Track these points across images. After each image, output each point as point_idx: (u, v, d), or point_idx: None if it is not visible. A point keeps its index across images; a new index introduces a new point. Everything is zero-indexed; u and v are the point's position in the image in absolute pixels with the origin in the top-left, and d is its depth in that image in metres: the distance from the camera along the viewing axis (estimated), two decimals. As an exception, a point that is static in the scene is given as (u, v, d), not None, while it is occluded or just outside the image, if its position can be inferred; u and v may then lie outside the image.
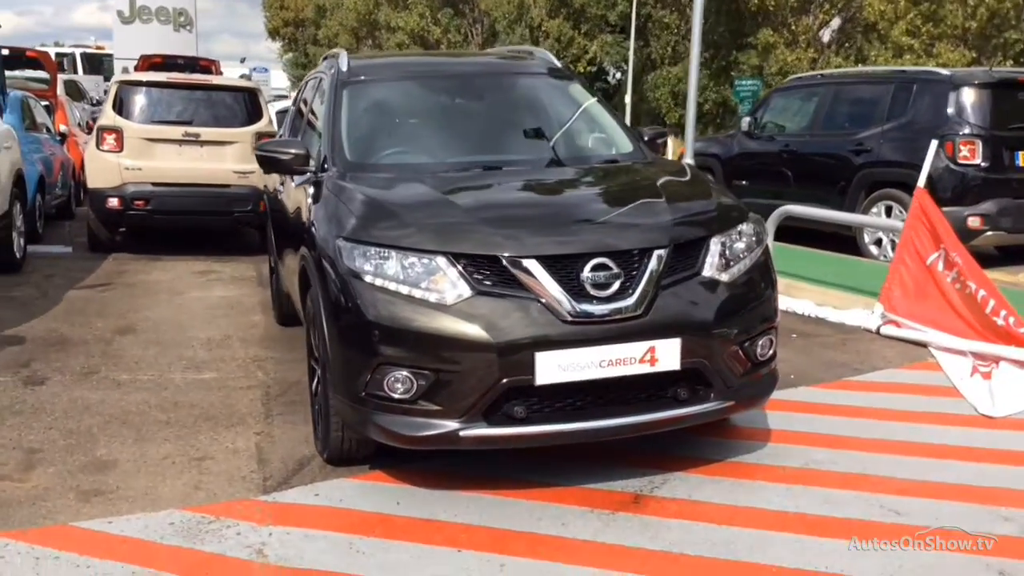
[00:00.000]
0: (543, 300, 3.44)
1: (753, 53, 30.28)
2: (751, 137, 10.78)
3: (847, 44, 28.33)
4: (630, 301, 3.51)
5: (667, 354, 3.53)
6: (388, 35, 54.00)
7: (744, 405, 3.88)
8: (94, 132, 9.80)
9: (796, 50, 27.85)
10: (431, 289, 3.48)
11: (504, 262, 3.49)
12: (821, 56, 27.71)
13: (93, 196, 9.64)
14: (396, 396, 3.49)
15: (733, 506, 3.66)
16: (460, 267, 3.50)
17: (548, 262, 3.49)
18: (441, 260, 3.51)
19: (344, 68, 5.08)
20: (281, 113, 14.49)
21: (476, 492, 3.76)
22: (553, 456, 4.02)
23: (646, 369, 3.52)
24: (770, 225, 7.28)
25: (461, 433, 3.47)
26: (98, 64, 24.19)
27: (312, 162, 4.54)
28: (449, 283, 3.48)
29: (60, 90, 17.87)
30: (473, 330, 3.40)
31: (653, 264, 3.57)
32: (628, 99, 34.45)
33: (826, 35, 27.73)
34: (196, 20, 19.42)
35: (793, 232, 8.93)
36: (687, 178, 4.39)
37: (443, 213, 3.76)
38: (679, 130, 18.50)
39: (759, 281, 3.90)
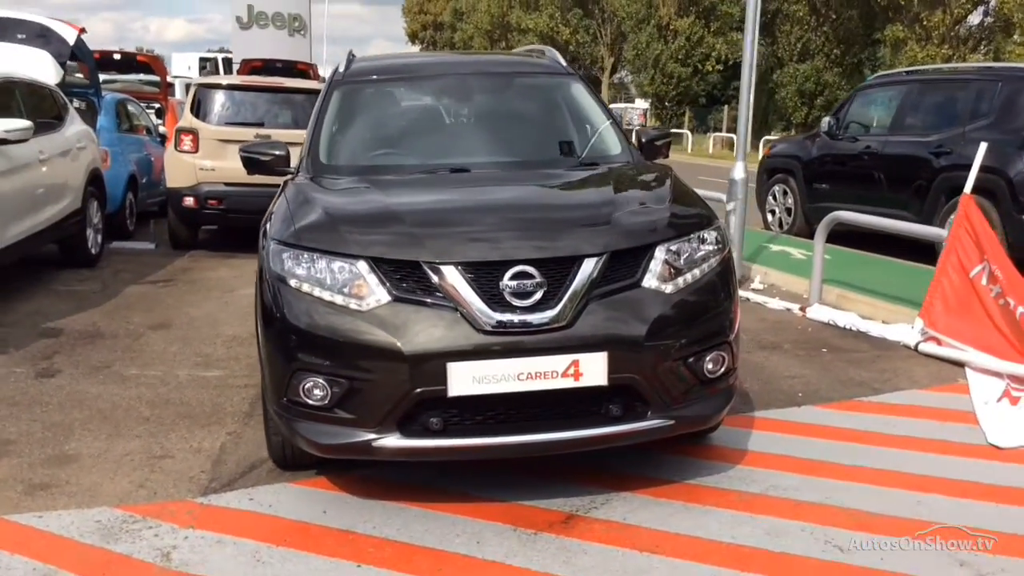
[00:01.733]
0: (461, 308, 3.32)
1: (885, 49, 28.94)
2: (832, 138, 10.24)
3: (985, 40, 26.74)
4: (552, 312, 3.34)
5: (592, 368, 3.34)
6: (519, 37, 54.52)
7: (690, 425, 3.64)
8: (174, 133, 10.16)
9: (928, 46, 26.46)
10: (351, 295, 3.40)
11: (424, 268, 3.38)
12: (956, 52, 26.25)
13: (171, 195, 10.00)
14: (312, 403, 3.43)
15: (664, 532, 3.44)
16: (380, 273, 3.41)
17: (468, 269, 3.36)
18: (362, 265, 3.42)
19: (342, 69, 5.07)
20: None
21: (409, 504, 3.67)
22: (505, 469, 3.90)
23: (570, 384, 3.34)
24: (820, 232, 6.90)
25: (374, 443, 3.38)
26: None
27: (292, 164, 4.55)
28: (368, 289, 3.39)
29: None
30: (385, 338, 3.30)
31: (583, 273, 3.39)
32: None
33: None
34: (310, 24, 19.94)
35: (871, 237, 8.46)
36: (654, 183, 4.16)
37: (375, 218, 3.68)
38: (807, 130, 17.78)
39: (712, 293, 3.65)
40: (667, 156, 4.94)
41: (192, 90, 10.32)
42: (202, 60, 39.40)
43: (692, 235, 3.69)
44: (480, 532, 3.45)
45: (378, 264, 3.42)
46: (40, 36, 9.23)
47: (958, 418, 4.63)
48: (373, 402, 3.36)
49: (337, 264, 3.45)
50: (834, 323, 6.48)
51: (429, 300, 3.35)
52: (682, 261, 3.61)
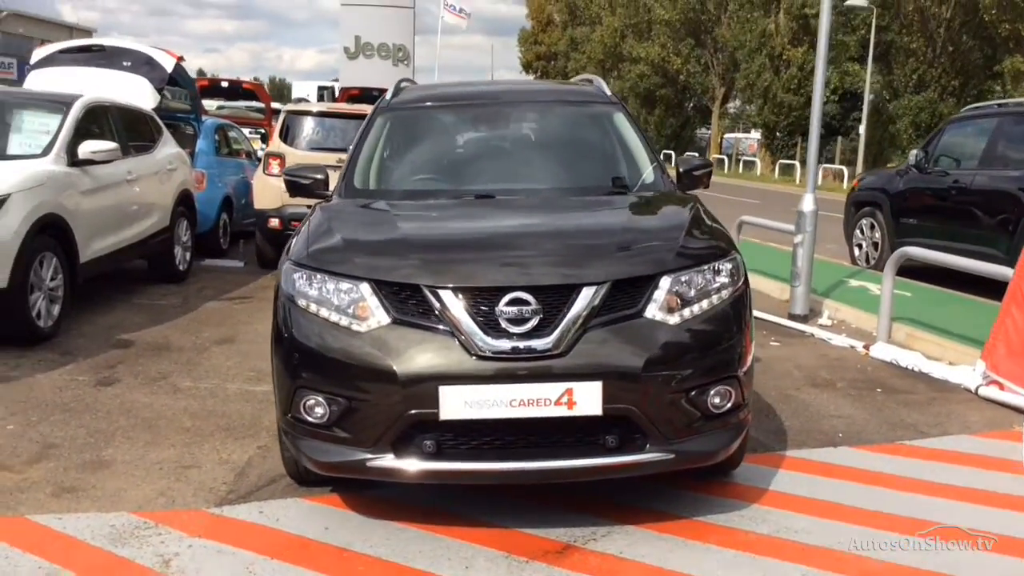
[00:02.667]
0: (457, 333, 3.35)
1: (1005, 81, 27.81)
2: (921, 171, 9.89)
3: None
4: (547, 339, 3.33)
5: (586, 398, 3.32)
6: (631, 66, 54.58)
7: (691, 460, 3.57)
8: (263, 157, 10.54)
9: (1050, 79, 25.32)
10: (354, 316, 3.46)
11: (424, 292, 3.42)
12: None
13: (258, 216, 10.35)
14: (313, 421, 3.51)
15: (659, 568, 3.37)
16: (382, 295, 3.47)
17: (465, 294, 3.38)
18: (365, 287, 3.49)
19: (389, 96, 5.20)
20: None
21: (411, 525, 3.70)
22: (512, 495, 3.90)
23: (563, 412, 3.32)
24: (889, 268, 6.67)
25: (368, 463, 3.43)
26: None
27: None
28: (370, 311, 3.46)
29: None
30: (380, 359, 3.35)
31: (581, 301, 3.38)
32: (863, 129, 32.57)
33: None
34: (413, 55, 20.39)
35: (959, 273, 8.10)
36: (673, 212, 4.10)
37: (384, 242, 3.74)
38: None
39: (721, 326, 3.58)
40: (707, 186, 4.87)
41: (281, 116, 10.70)
42: (320, 88, 40.76)
43: (703, 266, 3.63)
44: (472, 557, 3.45)
45: (380, 287, 3.48)
46: (143, 64, 9.72)
47: (1005, 467, 4.39)
48: (368, 422, 3.41)
49: (343, 285, 3.53)
50: (896, 363, 6.23)
51: (427, 324, 3.39)
52: (690, 292, 3.55)
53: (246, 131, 14.58)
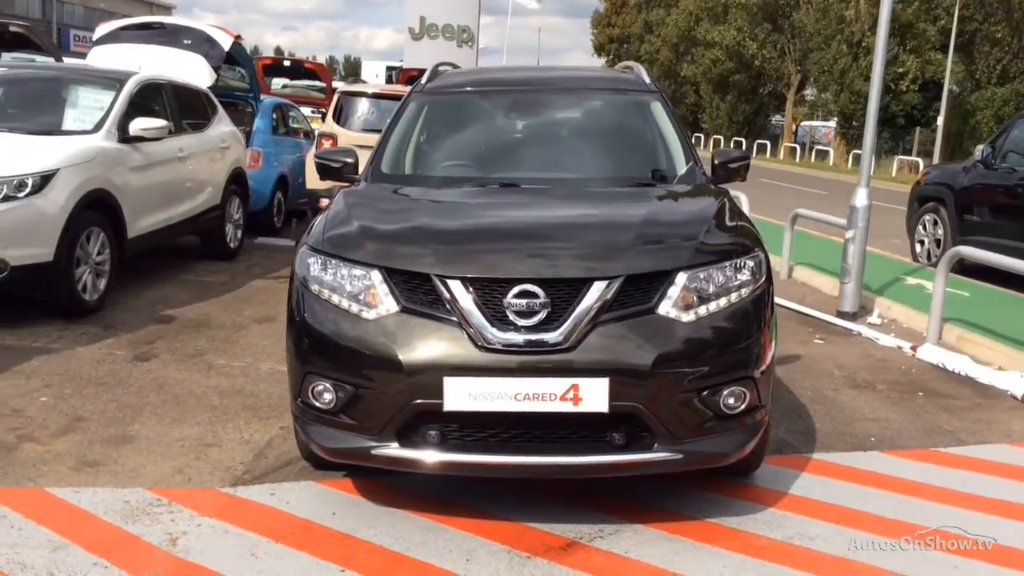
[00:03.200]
0: (464, 324, 3.30)
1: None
2: (988, 167, 9.53)
3: None
4: (555, 333, 3.27)
5: (592, 394, 3.25)
6: (704, 51, 53.73)
7: (701, 461, 3.48)
8: (316, 137, 10.61)
9: None
10: (364, 303, 3.44)
11: (435, 281, 3.38)
12: None
13: (309, 196, 10.44)
14: (320, 406, 3.51)
15: (662, 570, 3.30)
16: (393, 283, 3.44)
17: (474, 284, 3.34)
18: (376, 274, 3.47)
19: (424, 80, 5.16)
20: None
21: (419, 514, 3.69)
22: (525, 488, 3.86)
23: (568, 408, 3.26)
24: (942, 268, 6.45)
25: (373, 451, 3.42)
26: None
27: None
28: (380, 298, 3.43)
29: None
30: (386, 347, 3.33)
31: (592, 295, 3.31)
32: (941, 120, 31.58)
33: None
34: (478, 36, 20.33)
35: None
36: (698, 206, 3.99)
37: (400, 229, 3.71)
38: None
39: (737, 325, 3.47)
40: (744, 179, 4.74)
41: (336, 97, 10.75)
42: (389, 68, 41.02)
43: (723, 263, 3.52)
44: (474, 550, 3.42)
45: (391, 274, 3.45)
46: (201, 42, 9.84)
47: (1039, 480, 4.22)
48: (374, 410, 3.39)
49: (355, 272, 3.51)
50: (943, 366, 6.03)
51: (436, 313, 3.36)
52: (708, 289, 3.45)
53: (307, 111, 14.71)
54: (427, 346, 3.31)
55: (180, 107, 8.42)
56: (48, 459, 4.13)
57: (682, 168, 4.51)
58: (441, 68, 5.42)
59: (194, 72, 9.49)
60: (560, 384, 3.25)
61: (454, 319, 3.32)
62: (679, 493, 3.91)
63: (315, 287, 3.57)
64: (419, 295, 3.40)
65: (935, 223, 10.23)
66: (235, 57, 10.80)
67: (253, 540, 3.46)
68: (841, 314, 7.35)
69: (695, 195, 4.17)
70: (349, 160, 4.66)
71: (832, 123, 46.89)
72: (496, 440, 3.39)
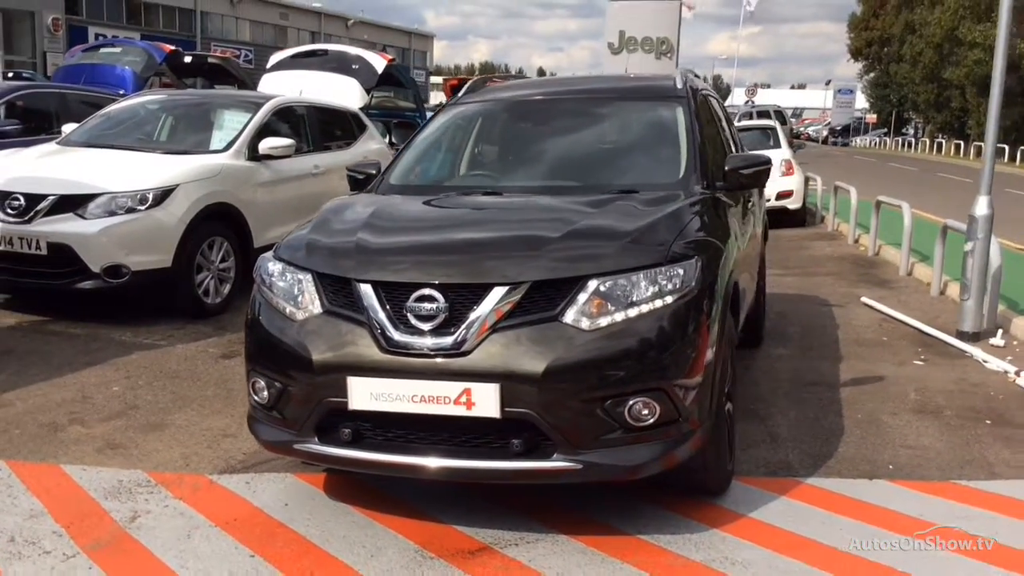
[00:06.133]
0: (372, 326, 3.43)
1: None
2: None
3: None
4: (450, 338, 3.33)
5: (484, 399, 3.28)
6: (967, 52, 49.87)
7: (604, 473, 3.39)
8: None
9: None
10: (298, 306, 3.65)
11: (353, 285, 3.54)
12: None
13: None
14: (259, 401, 3.74)
15: (551, 581, 3.26)
16: (322, 286, 3.62)
17: (381, 288, 3.46)
18: (308, 278, 3.67)
19: (460, 93, 5.33)
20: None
21: (362, 510, 3.85)
22: (474, 492, 3.92)
23: (462, 412, 3.31)
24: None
25: (295, 445, 3.61)
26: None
27: None
28: (309, 301, 3.63)
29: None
30: (302, 347, 3.51)
31: (489, 301, 3.33)
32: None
33: None
34: (678, 48, 20.19)
35: None
36: (646, 213, 3.85)
37: (341, 235, 3.87)
38: None
39: (653, 334, 3.36)
40: (758, 186, 4.53)
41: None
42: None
43: (644, 271, 3.42)
44: (386, 547, 3.52)
45: (320, 278, 3.64)
46: (356, 65, 10.51)
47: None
48: (294, 406, 3.59)
49: (296, 276, 3.73)
50: (1030, 389, 5.39)
51: (352, 316, 3.50)
52: (624, 297, 3.38)
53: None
54: (335, 346, 3.46)
55: (321, 127, 9.05)
56: (82, 440, 4.64)
57: (673, 176, 4.38)
58: (479, 83, 5.54)
59: (347, 94, 10.15)
60: (453, 388, 3.30)
61: (365, 321, 3.45)
62: (631, 507, 3.83)
63: (265, 290, 3.82)
64: (340, 298, 3.56)
65: None
66: (401, 80, 11.44)
67: (197, 523, 3.74)
68: (961, 334, 6.71)
69: (657, 203, 4.02)
70: (372, 172, 4.90)
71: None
72: (403, 441, 3.48)
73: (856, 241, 12.39)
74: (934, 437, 4.72)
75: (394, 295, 3.44)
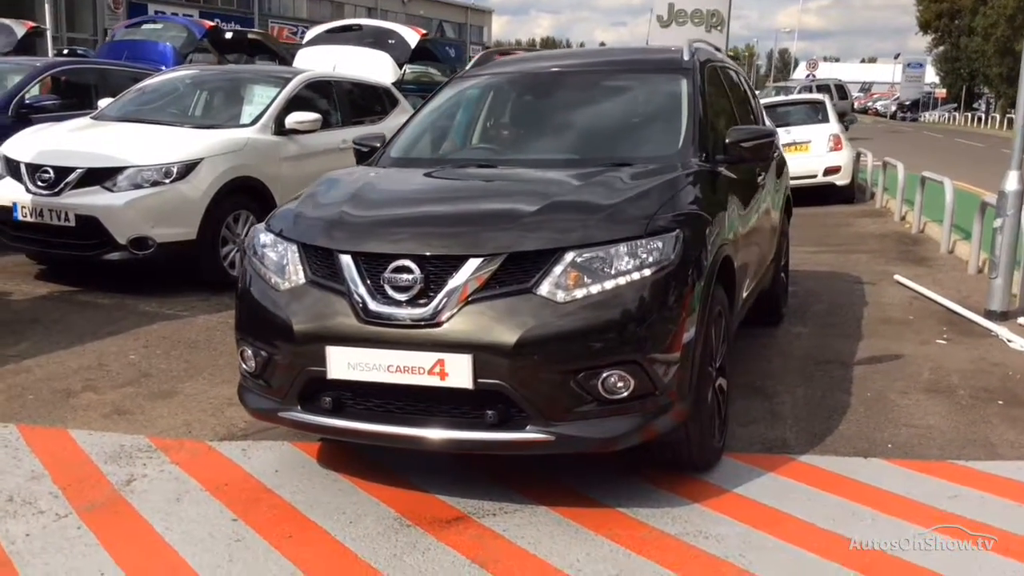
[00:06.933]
0: (351, 296, 3.46)
1: None
2: None
3: None
4: (425, 309, 3.34)
5: (457, 370, 3.30)
6: (1037, 22, 48.24)
7: (576, 445, 3.39)
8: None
9: None
10: (283, 276, 3.69)
11: (335, 255, 3.57)
12: None
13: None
14: (247, 370, 3.81)
15: (524, 551, 3.29)
16: (306, 256, 3.67)
17: (361, 259, 3.49)
18: (293, 248, 3.71)
19: (468, 66, 5.33)
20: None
21: (348, 477, 3.90)
22: (463, 462, 3.95)
23: (436, 382, 3.33)
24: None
25: (279, 413, 3.67)
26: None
27: None
28: (293, 271, 3.67)
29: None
30: (285, 316, 3.56)
31: (464, 272, 3.34)
32: None
33: None
34: (729, 20, 19.82)
35: None
36: (630, 187, 3.81)
37: (327, 207, 3.90)
38: None
39: (627, 306, 3.33)
40: (762, 160, 4.47)
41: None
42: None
43: (622, 243, 3.40)
44: (365, 515, 3.57)
45: (305, 249, 3.68)
46: (389, 40, 10.54)
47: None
48: (280, 375, 3.65)
49: (281, 247, 3.77)
50: (1062, 372, 5.24)
51: (332, 286, 3.54)
52: (600, 269, 3.36)
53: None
54: (315, 316, 3.50)
55: (351, 102, 9.11)
56: (92, 406, 4.77)
57: (670, 148, 4.33)
58: (484, 56, 5.53)
59: (379, 68, 10.19)
60: (427, 358, 3.32)
61: (345, 292, 3.49)
62: (615, 480, 3.83)
63: (255, 260, 3.87)
64: (322, 269, 3.60)
65: None
66: (436, 55, 11.44)
67: (189, 487, 3.83)
68: (989, 313, 6.54)
69: (647, 175, 3.98)
70: (374, 145, 4.92)
71: None
72: (382, 411, 3.52)
73: (903, 218, 12.11)
74: (940, 416, 4.63)
75: (372, 266, 3.46)
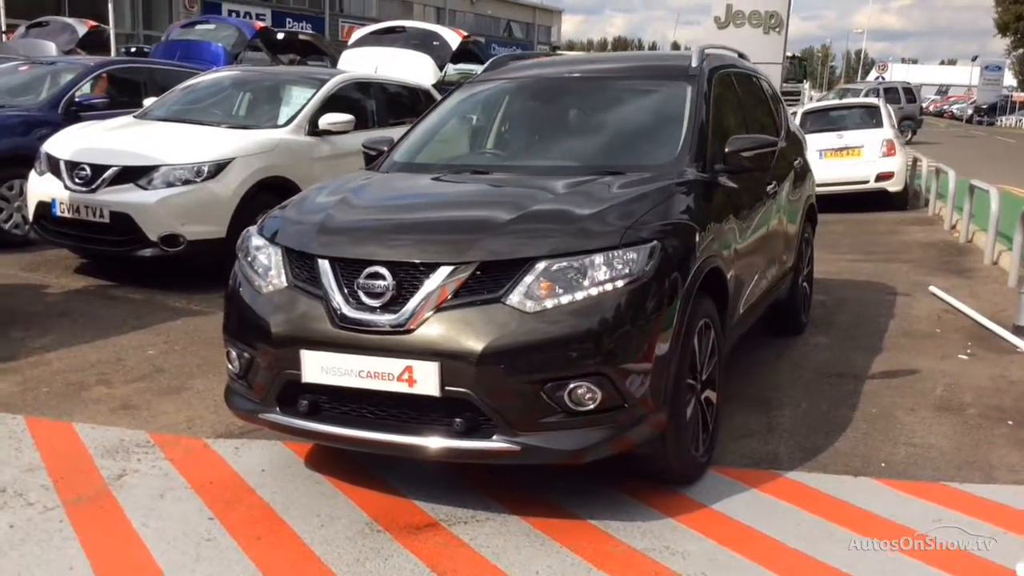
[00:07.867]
0: (327, 301, 3.51)
1: None
2: None
3: None
4: (395, 315, 3.38)
5: (425, 377, 3.32)
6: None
7: (542, 456, 3.38)
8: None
9: None
10: (267, 279, 3.76)
11: (315, 260, 3.62)
12: None
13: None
14: (232, 370, 3.89)
15: (485, 561, 3.31)
16: (289, 261, 3.73)
17: (336, 264, 3.54)
18: (278, 252, 3.78)
19: (479, 72, 5.35)
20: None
21: (331, 479, 3.96)
22: (449, 467, 3.97)
23: (404, 389, 3.36)
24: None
25: (259, 415, 3.74)
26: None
27: None
28: (277, 274, 3.74)
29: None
30: (264, 319, 3.63)
31: (434, 280, 3.37)
32: None
33: None
34: (787, 22, 19.50)
35: None
36: (610, 196, 3.79)
37: (315, 212, 3.95)
38: None
39: (596, 317, 3.32)
40: (761, 169, 4.41)
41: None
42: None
43: (595, 254, 3.39)
44: (338, 517, 3.62)
45: (288, 253, 3.75)
46: (431, 42, 10.61)
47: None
48: (260, 377, 3.71)
49: (269, 250, 3.84)
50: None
51: (311, 291, 3.59)
52: (573, 279, 3.36)
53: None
54: (292, 320, 3.56)
55: (388, 104, 9.20)
56: (102, 400, 4.90)
57: (666, 157, 4.29)
58: (498, 60, 5.54)
59: (420, 70, 10.27)
60: (396, 365, 3.36)
61: (322, 297, 3.54)
62: (592, 491, 3.82)
63: (244, 263, 3.95)
64: (303, 273, 3.66)
65: None
66: (478, 55, 11.49)
67: (175, 484, 3.92)
68: (1017, 329, 6.34)
69: (635, 185, 3.96)
70: (381, 149, 4.98)
71: None
72: (355, 415, 3.56)
73: (953, 227, 11.79)
74: (944, 436, 4.51)
75: (348, 271, 3.51)
